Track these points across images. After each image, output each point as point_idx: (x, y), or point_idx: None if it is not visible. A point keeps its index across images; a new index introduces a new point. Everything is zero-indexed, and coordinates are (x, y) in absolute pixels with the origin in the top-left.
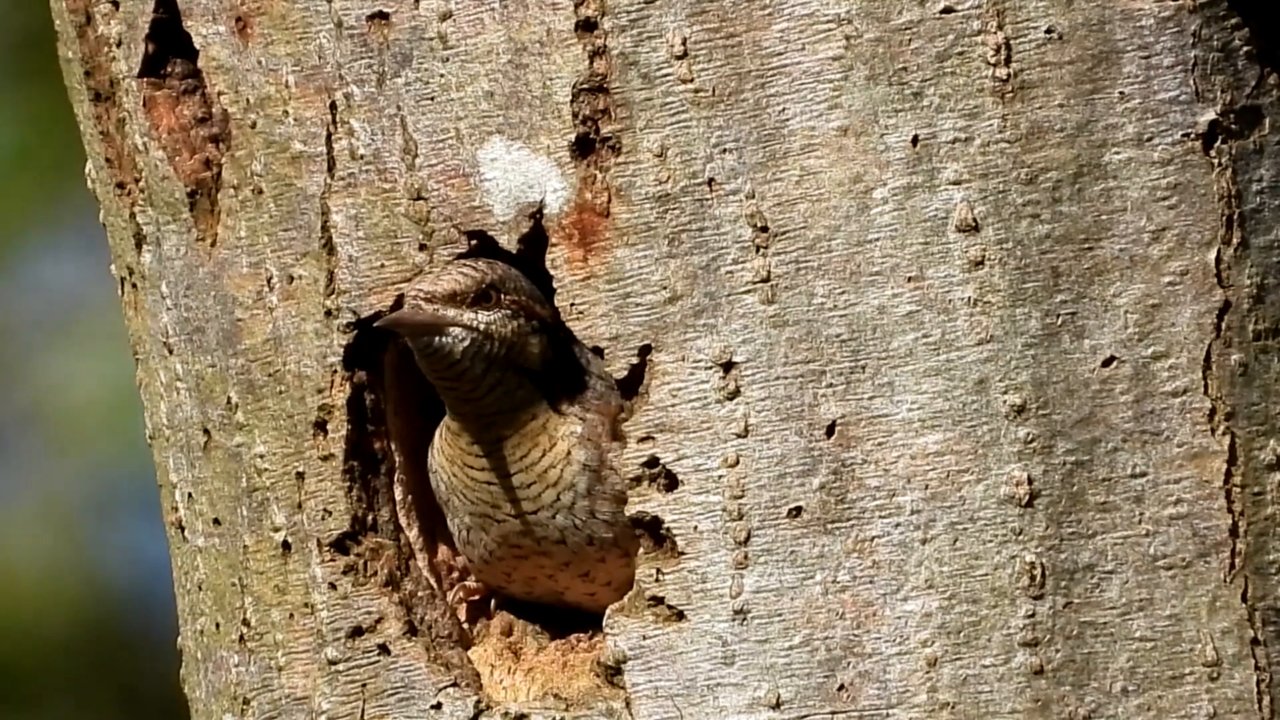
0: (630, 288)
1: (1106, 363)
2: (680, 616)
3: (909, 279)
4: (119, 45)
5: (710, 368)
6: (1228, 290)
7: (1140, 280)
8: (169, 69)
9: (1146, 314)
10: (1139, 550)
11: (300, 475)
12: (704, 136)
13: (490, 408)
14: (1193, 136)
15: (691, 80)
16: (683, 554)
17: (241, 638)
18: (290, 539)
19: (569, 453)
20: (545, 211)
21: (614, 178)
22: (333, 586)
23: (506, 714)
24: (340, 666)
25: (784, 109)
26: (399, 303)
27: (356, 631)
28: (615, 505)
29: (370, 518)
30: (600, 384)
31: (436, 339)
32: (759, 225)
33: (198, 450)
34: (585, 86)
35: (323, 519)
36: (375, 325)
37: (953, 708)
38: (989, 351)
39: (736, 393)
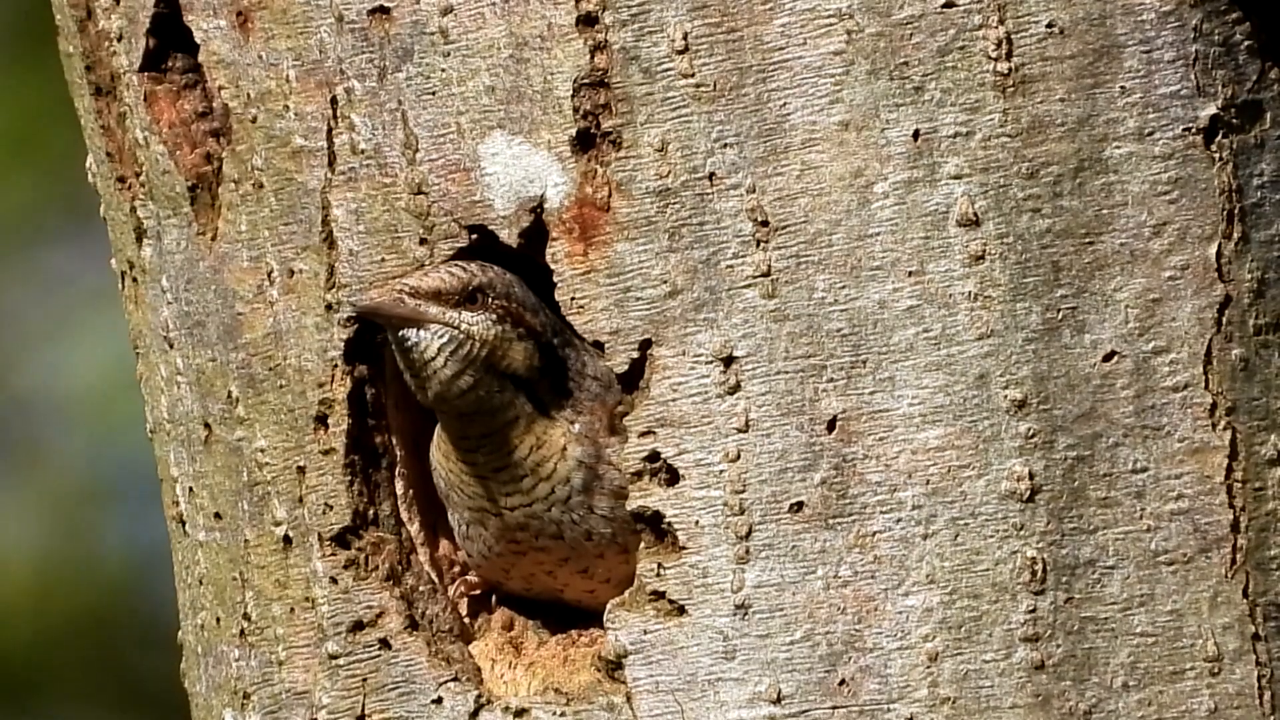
0: (631, 282)
1: (1107, 358)
2: (681, 611)
3: (910, 273)
4: (120, 40)
5: (711, 362)
6: (1228, 285)
7: (1141, 275)
8: (170, 63)
9: (1147, 309)
10: (1140, 545)
11: (301, 469)
12: (705, 131)
13: (468, 408)
14: (1194, 131)
15: (692, 75)
16: (684, 549)
17: (242, 632)
18: (291, 533)
19: (565, 448)
20: (546, 206)
21: (615, 172)
22: (334, 581)
23: (507, 708)
24: (341, 661)
25: (785, 103)
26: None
27: (357, 626)
28: (613, 501)
29: (371, 512)
30: (595, 384)
31: (414, 332)
32: (759, 220)
33: (198, 445)
34: (586, 81)
35: (324, 513)
36: (354, 306)
37: (953, 702)
38: (990, 346)
39: (737, 387)
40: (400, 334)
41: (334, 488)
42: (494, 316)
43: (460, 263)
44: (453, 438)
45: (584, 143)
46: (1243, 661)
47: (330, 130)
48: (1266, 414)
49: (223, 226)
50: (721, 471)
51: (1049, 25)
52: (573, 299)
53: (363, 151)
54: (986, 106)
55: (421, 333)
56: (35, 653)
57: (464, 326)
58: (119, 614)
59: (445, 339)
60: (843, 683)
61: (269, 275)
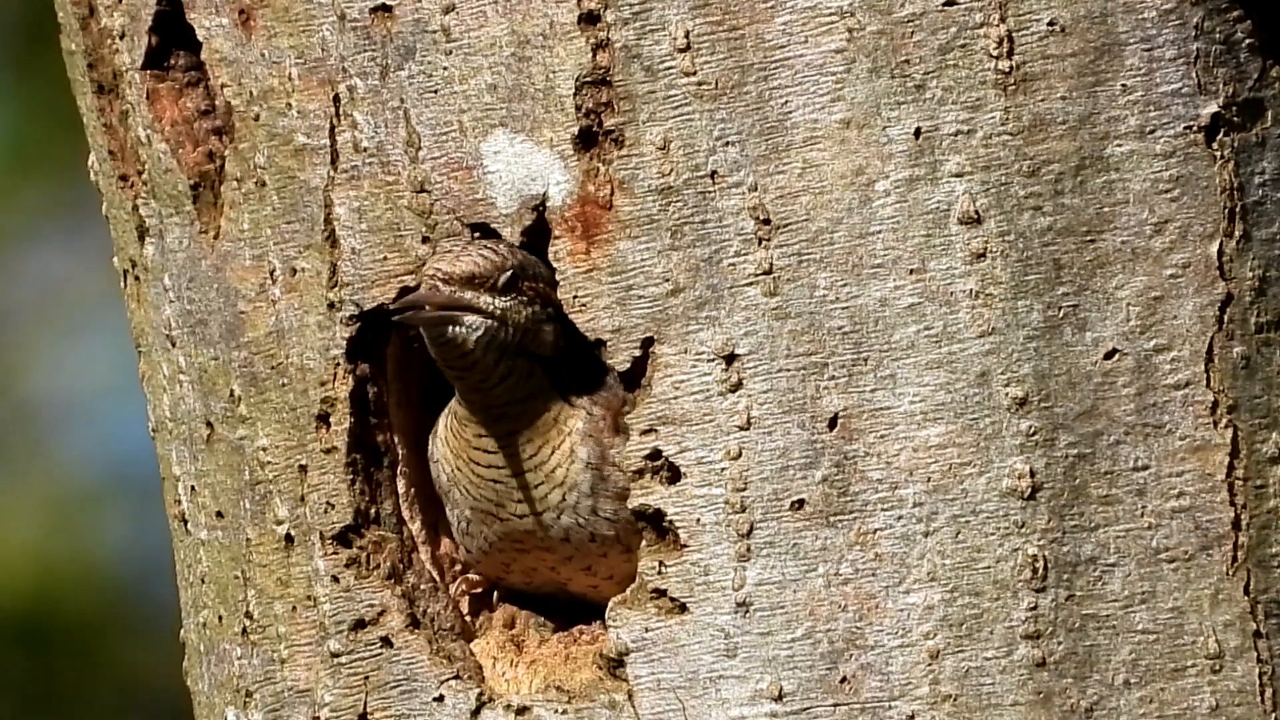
0: (633, 280)
1: (1108, 355)
2: (683, 609)
3: (911, 271)
4: (122, 38)
5: (712, 360)
6: (1230, 283)
7: (1142, 273)
8: (172, 61)
9: (1148, 306)
10: (1141, 543)
11: (303, 468)
12: (706, 129)
13: (500, 398)
14: (1195, 129)
15: (694, 73)
16: (685, 546)
17: (244, 630)
18: (293, 532)
19: (572, 450)
20: (548, 204)
21: (617, 170)
22: (335, 579)
23: (509, 706)
24: (343, 659)
25: (786, 101)
26: (402, 294)
27: (359, 624)
28: (618, 503)
29: (373, 510)
30: (611, 376)
31: (450, 329)
32: (761, 218)
33: (200, 443)
34: (588, 79)
35: (325, 512)
36: (391, 316)
37: (955, 700)
38: (991, 344)
39: (739, 385)
40: (434, 331)
41: (336, 486)
42: (525, 299)
43: (489, 244)
44: (480, 429)
45: (586, 141)
46: (1244, 659)
47: (333, 128)
48: (1268, 412)
49: (225, 225)
50: (723, 469)
51: (1050, 23)
52: (575, 297)
53: (365, 150)
54: (988, 104)
55: (457, 329)
56: (35, 652)
57: (499, 312)
58: (119, 613)
59: (480, 331)
60: (844, 680)
61: (271, 274)
